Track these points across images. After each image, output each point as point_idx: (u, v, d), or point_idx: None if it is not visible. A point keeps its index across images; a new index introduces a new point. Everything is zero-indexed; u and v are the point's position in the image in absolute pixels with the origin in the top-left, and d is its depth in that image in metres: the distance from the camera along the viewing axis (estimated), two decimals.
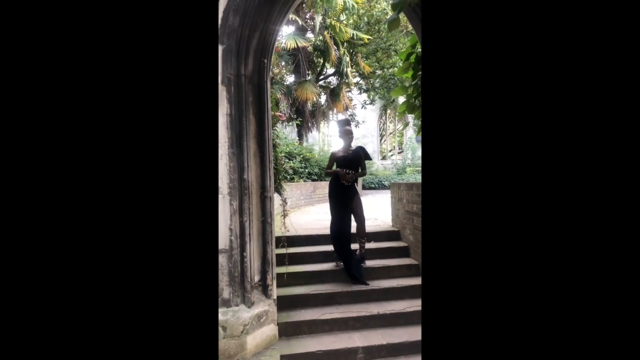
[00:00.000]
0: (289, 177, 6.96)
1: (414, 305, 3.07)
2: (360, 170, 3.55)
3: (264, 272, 2.75)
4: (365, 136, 16.16)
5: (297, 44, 8.57)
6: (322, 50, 9.78)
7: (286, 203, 3.50)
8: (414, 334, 2.77)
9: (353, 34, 9.37)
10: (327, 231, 3.96)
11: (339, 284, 3.28)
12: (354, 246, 3.51)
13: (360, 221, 3.49)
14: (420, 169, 11.19)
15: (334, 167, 3.57)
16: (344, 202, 3.44)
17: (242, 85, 2.57)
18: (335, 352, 2.59)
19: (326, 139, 15.50)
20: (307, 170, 8.05)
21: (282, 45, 8.69)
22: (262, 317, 2.63)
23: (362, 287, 3.23)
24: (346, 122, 3.76)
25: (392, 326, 2.90)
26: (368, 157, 3.65)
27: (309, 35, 9.69)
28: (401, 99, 4.72)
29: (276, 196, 3.32)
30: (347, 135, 3.60)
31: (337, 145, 11.77)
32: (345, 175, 3.42)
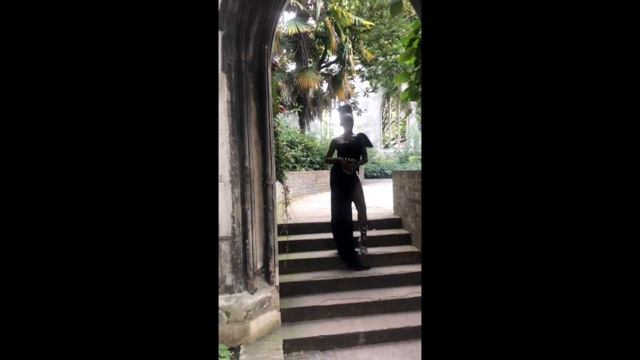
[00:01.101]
0: (290, 165, 6.95)
1: (415, 292, 3.10)
2: (361, 158, 3.54)
3: (266, 259, 2.78)
4: (368, 124, 16.05)
5: (298, 30, 8.45)
6: (324, 37, 9.64)
7: (288, 191, 3.50)
8: (414, 319, 2.80)
9: (355, 19, 9.22)
10: (329, 219, 3.98)
11: (340, 271, 3.31)
12: (356, 234, 3.53)
13: (362, 209, 3.50)
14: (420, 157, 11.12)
15: (335, 155, 3.56)
16: (346, 190, 3.44)
17: (243, 72, 2.55)
18: (337, 337, 2.63)
19: (328, 128, 15.41)
20: (309, 159, 8.03)
21: (283, 31, 8.57)
22: (265, 303, 2.66)
23: (364, 274, 3.26)
24: (347, 109, 3.73)
25: (393, 312, 2.94)
26: (369, 144, 3.63)
27: (311, 21, 9.53)
28: (404, 86, 4.65)
29: (278, 184, 3.33)
30: (348, 122, 3.58)
31: (338, 132, 11.72)
32: (347, 164, 3.41)
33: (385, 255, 3.55)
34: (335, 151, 3.55)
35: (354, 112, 11.67)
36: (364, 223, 3.53)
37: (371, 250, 3.57)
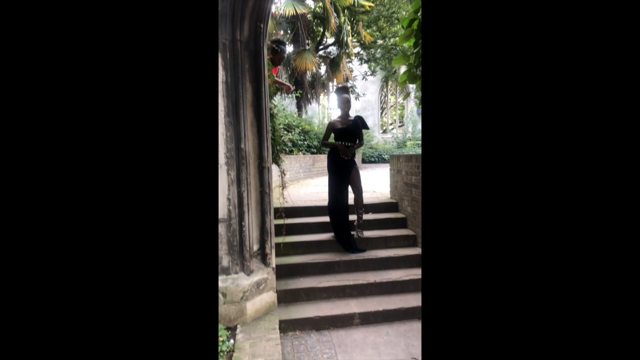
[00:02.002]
0: (287, 149, 6.91)
1: (410, 274, 3.14)
2: (358, 142, 3.51)
3: (262, 242, 2.79)
4: (366, 109, 15.92)
5: (295, 10, 8.24)
6: (322, 18, 9.41)
7: (284, 174, 3.48)
8: (409, 301, 2.85)
9: (354, 0, 8.98)
10: (326, 203, 3.99)
11: (337, 254, 3.34)
12: (352, 217, 3.54)
13: (358, 193, 3.50)
14: (420, 142, 11.11)
15: (332, 139, 3.53)
16: (343, 174, 3.43)
17: (238, 51, 2.48)
18: (333, 318, 2.67)
19: (326, 112, 15.26)
20: (306, 143, 7.98)
21: (281, 12, 8.35)
22: (261, 285, 2.69)
23: (360, 257, 3.29)
24: (344, 90, 3.66)
25: (388, 294, 2.98)
26: (365, 127, 3.57)
27: (309, 1, 9.29)
28: (403, 69, 4.58)
29: (274, 167, 3.31)
30: (345, 103, 3.52)
31: (335, 115, 11.60)
32: (345, 150, 3.38)
33: (382, 239, 3.57)
34: (332, 135, 3.52)
35: (352, 96, 11.54)
36: (360, 207, 3.54)
37: (367, 234, 3.60)
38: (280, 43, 3.48)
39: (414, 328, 2.66)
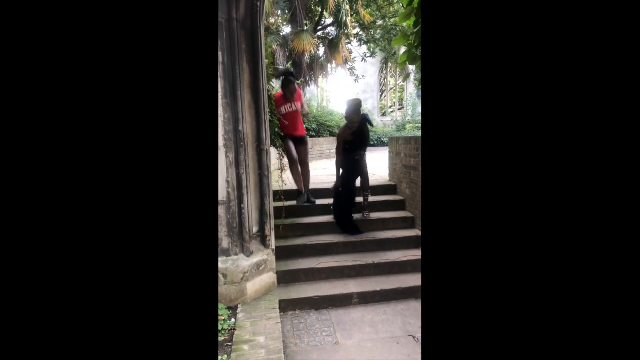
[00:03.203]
0: None
1: (408, 255, 3.19)
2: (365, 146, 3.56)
3: (262, 224, 2.81)
4: (366, 91, 15.72)
5: None
6: None
7: (283, 157, 3.48)
8: (406, 281, 2.90)
9: None
10: (325, 186, 4.00)
11: (336, 235, 3.37)
12: (358, 199, 3.60)
13: (365, 177, 3.56)
14: (420, 125, 11.03)
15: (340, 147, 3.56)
16: (354, 168, 3.48)
17: (234, 31, 2.43)
18: (331, 298, 2.73)
19: (325, 95, 15.08)
20: (305, 126, 7.93)
21: None
22: (261, 266, 2.73)
23: (359, 238, 3.32)
24: (359, 104, 3.60)
25: (386, 274, 3.03)
26: (371, 124, 3.64)
27: None
28: (403, 50, 4.52)
29: (273, 150, 3.30)
30: (358, 115, 3.48)
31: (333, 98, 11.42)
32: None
33: (380, 220, 3.60)
34: (344, 145, 3.55)
35: (352, 78, 11.38)
36: (367, 189, 3.60)
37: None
38: (289, 74, 3.49)
39: (411, 307, 2.72)
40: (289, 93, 3.42)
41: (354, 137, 3.46)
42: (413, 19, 4.16)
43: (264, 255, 2.76)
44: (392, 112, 17.54)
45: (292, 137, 3.57)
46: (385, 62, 16.17)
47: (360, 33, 11.63)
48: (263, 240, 2.81)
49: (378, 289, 2.81)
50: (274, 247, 2.88)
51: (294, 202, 3.62)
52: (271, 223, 2.85)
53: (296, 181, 3.63)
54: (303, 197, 3.59)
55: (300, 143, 3.65)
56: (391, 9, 10.89)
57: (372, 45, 12.12)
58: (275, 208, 3.04)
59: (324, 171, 5.64)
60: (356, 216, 3.58)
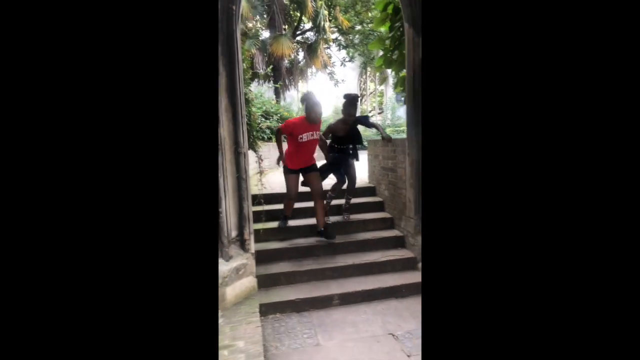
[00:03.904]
0: (266, 137, 6.83)
1: (387, 255, 3.23)
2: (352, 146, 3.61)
3: (240, 228, 2.79)
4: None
5: None
6: (299, 2, 9.24)
7: (262, 160, 3.47)
8: (386, 281, 2.94)
9: None
10: (303, 188, 4.01)
11: (317, 238, 3.38)
12: (341, 202, 3.65)
13: (352, 182, 3.62)
14: (400, 129, 11.23)
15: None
16: (335, 160, 3.55)
17: None
18: (312, 299, 2.73)
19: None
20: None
21: None
22: (241, 270, 2.70)
23: (340, 240, 3.34)
24: (354, 99, 3.61)
25: (367, 274, 3.06)
26: (368, 125, 3.69)
27: None
28: (380, 54, 4.62)
29: (251, 153, 3.28)
30: (352, 111, 3.52)
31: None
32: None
33: (360, 222, 3.64)
34: (330, 136, 3.61)
35: (331, 82, 11.49)
36: (351, 192, 3.66)
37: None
38: (308, 97, 3.11)
39: (391, 306, 2.75)
40: (315, 116, 2.94)
41: (345, 133, 3.48)
42: (388, 24, 4.25)
43: (244, 260, 2.74)
44: (372, 115, 17.78)
45: (301, 169, 3.14)
46: (364, 66, 16.40)
47: (339, 38, 11.78)
48: (242, 244, 2.79)
49: (359, 289, 2.84)
50: (253, 251, 2.85)
51: (275, 206, 3.60)
52: (250, 227, 2.83)
53: (285, 206, 3.31)
54: (284, 222, 3.33)
55: (311, 170, 3.18)
56: (369, 14, 11.09)
57: (351, 49, 12.29)
58: (255, 212, 3.02)
59: None
60: (337, 218, 3.61)
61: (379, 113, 17.63)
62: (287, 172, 3.16)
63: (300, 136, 2.97)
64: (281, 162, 3.29)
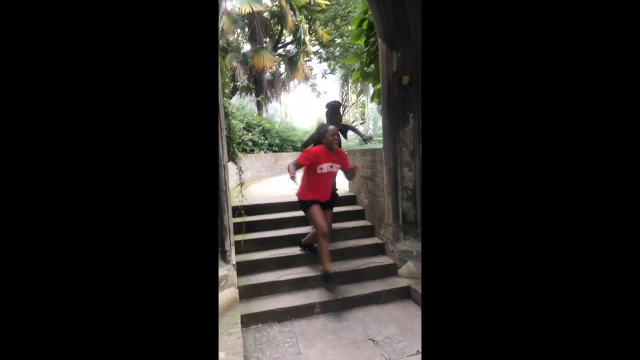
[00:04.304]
0: (248, 149, 6.87)
1: (368, 262, 3.30)
2: None
3: (221, 239, 2.80)
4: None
5: (252, 8, 8.18)
6: (279, 17, 9.43)
7: (242, 172, 3.50)
8: (366, 287, 3.00)
9: None
10: (285, 199, 4.05)
11: (297, 248, 3.41)
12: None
13: (334, 196, 3.62)
14: (380, 139, 11.43)
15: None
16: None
17: None
18: (294, 309, 2.75)
19: (288, 110, 15.24)
20: (267, 142, 7.97)
21: (237, 10, 8.26)
22: (222, 282, 2.71)
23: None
24: (334, 107, 3.70)
25: (347, 282, 3.11)
26: (344, 136, 3.80)
27: (265, 0, 9.25)
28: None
29: (231, 166, 3.32)
30: (333, 120, 3.61)
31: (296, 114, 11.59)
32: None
33: (341, 230, 3.70)
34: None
35: (314, 94, 11.66)
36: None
37: None
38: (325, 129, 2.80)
39: (372, 312, 2.80)
40: (332, 143, 2.62)
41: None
42: (363, 38, 4.40)
43: (225, 271, 2.75)
44: (355, 125, 18.03)
45: (319, 202, 2.78)
46: (345, 78, 16.72)
47: (320, 50, 12.02)
48: (223, 255, 2.80)
49: (340, 297, 2.88)
50: (234, 263, 2.87)
51: (255, 217, 3.62)
52: (231, 238, 2.85)
53: (324, 260, 2.75)
54: (333, 281, 2.78)
55: (328, 206, 2.87)
56: (348, 27, 11.39)
57: (332, 62, 12.54)
58: (236, 223, 3.04)
59: (287, 184, 5.69)
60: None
61: (361, 123, 17.90)
62: (308, 204, 2.70)
63: (320, 166, 2.67)
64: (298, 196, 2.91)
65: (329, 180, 2.77)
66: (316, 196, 2.75)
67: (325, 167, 2.71)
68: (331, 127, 2.62)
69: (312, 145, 3.66)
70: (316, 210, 2.70)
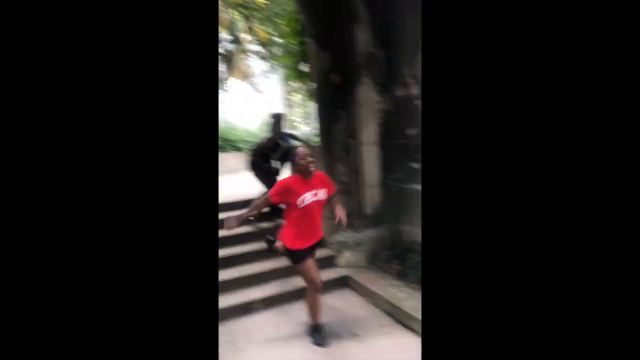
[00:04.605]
0: None
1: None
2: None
3: None
4: (274, 107, 15.96)
5: None
6: None
7: None
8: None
9: None
10: (231, 199, 4.01)
11: (243, 246, 3.40)
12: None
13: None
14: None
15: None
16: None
17: None
18: (234, 307, 2.75)
19: (226, 109, 14.82)
20: None
21: None
22: None
23: (264, 247, 3.40)
24: (275, 118, 3.77)
25: (287, 277, 3.17)
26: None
27: None
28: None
29: None
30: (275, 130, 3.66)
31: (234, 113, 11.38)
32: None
33: (279, 225, 3.73)
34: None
35: (255, 93, 11.50)
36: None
37: (266, 225, 3.75)
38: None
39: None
40: (308, 167, 2.03)
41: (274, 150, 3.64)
42: (298, 38, 4.50)
43: None
44: (301, 124, 18.12)
45: (313, 246, 2.21)
46: (287, 78, 16.72)
47: (261, 50, 11.88)
48: None
49: (280, 292, 2.94)
50: None
51: None
52: None
53: (314, 313, 2.31)
54: (325, 333, 2.32)
55: (314, 249, 2.28)
56: (287, 27, 11.43)
57: (272, 61, 12.46)
58: None
59: (227, 185, 5.59)
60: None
61: (307, 123, 18.05)
62: (297, 256, 2.13)
63: (301, 198, 2.03)
64: (276, 245, 2.31)
65: (317, 212, 2.15)
66: (309, 239, 2.16)
67: (307, 198, 2.05)
68: (300, 149, 2.12)
69: (268, 155, 3.68)
70: (310, 264, 2.17)
